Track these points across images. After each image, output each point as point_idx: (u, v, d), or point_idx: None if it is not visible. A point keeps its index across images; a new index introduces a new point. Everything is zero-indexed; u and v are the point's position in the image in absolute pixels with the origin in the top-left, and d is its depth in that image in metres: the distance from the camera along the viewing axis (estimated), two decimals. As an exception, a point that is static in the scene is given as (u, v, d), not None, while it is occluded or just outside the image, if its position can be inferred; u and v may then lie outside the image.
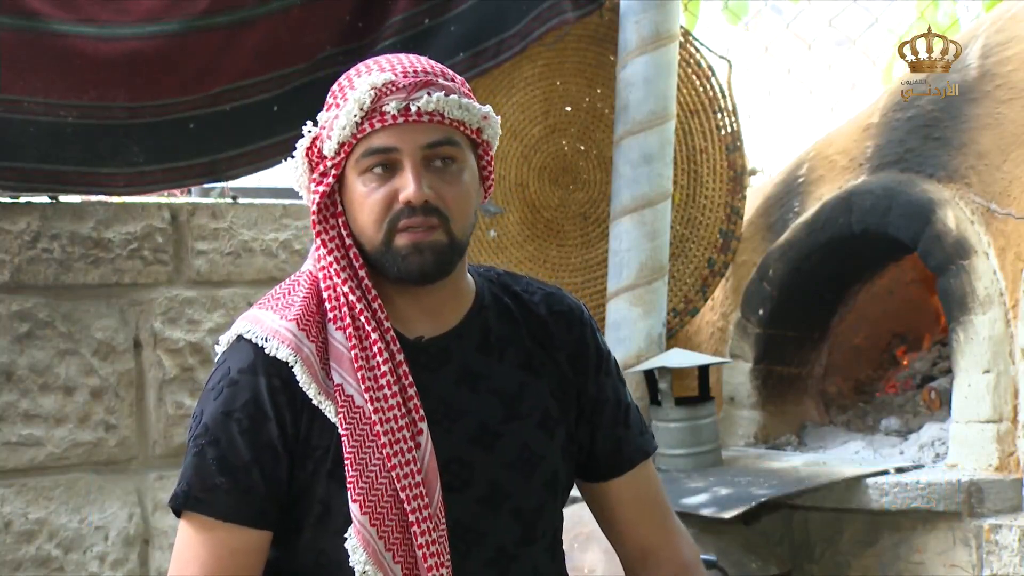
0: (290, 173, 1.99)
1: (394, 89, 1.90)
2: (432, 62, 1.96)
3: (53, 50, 3.49)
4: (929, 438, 3.72)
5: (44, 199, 3.64)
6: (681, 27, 4.09)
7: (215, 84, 3.65)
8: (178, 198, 3.95)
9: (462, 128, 1.94)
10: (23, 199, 3.60)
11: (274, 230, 3.86)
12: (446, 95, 1.91)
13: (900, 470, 3.57)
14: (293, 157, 1.98)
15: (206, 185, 3.96)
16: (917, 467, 3.60)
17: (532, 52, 4.07)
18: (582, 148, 4.23)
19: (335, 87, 1.96)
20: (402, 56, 1.96)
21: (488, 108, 1.97)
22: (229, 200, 3.88)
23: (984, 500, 3.39)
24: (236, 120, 3.69)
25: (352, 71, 1.96)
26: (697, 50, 4.19)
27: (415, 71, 1.92)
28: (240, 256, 3.82)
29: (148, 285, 3.72)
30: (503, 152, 4.14)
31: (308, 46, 3.74)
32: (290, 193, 4.06)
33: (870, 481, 3.52)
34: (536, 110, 4.16)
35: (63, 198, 3.65)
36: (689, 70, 4.17)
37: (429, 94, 1.90)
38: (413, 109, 1.89)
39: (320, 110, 1.97)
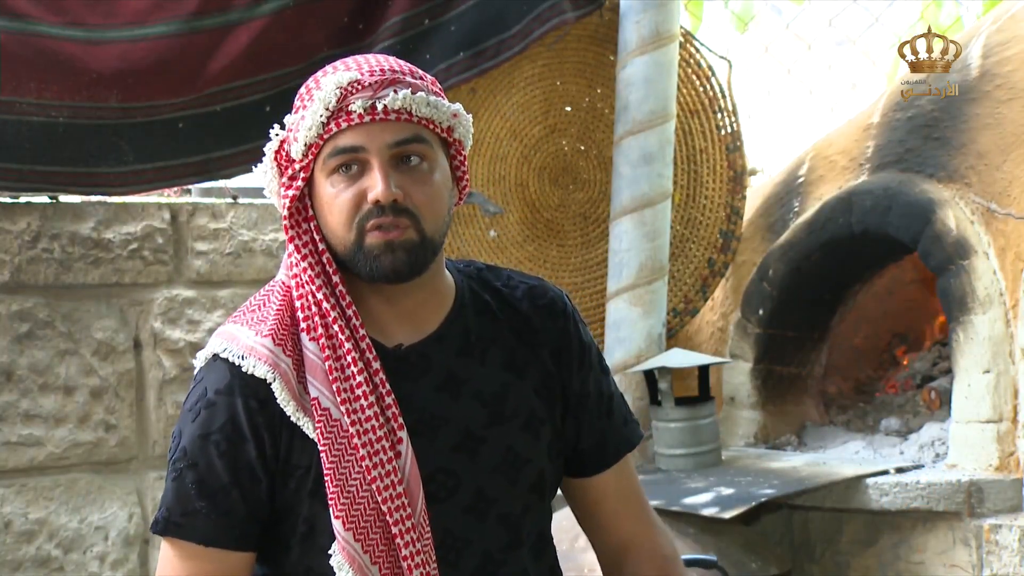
0: (260, 178, 1.96)
1: (360, 88, 1.86)
2: (400, 61, 1.93)
3: (44, 52, 3.50)
4: (929, 438, 3.72)
5: (44, 199, 3.64)
6: (681, 27, 4.09)
7: (207, 85, 3.66)
8: (178, 198, 3.95)
9: (432, 127, 1.90)
10: (23, 199, 3.61)
11: (274, 230, 3.87)
12: (413, 92, 1.88)
13: (900, 470, 3.57)
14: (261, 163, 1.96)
15: (205, 185, 3.97)
16: (917, 467, 3.60)
17: (532, 52, 4.07)
18: (582, 148, 4.23)
19: (302, 90, 1.93)
20: (369, 56, 1.93)
21: (458, 106, 1.94)
22: (229, 200, 3.88)
23: (984, 500, 3.39)
24: (228, 120, 3.69)
25: (319, 72, 1.92)
26: (697, 50, 4.19)
27: (381, 69, 1.89)
28: (240, 256, 3.82)
29: (148, 285, 3.73)
30: (503, 152, 4.15)
31: (304, 47, 3.74)
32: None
33: (870, 481, 3.52)
34: (536, 110, 4.16)
35: (63, 198, 3.66)
36: (689, 70, 4.17)
37: (396, 91, 1.87)
38: (379, 107, 1.86)
39: None
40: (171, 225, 3.76)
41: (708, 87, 4.20)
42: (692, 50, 4.18)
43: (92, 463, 3.66)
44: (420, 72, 1.93)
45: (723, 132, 4.21)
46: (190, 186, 3.97)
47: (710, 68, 4.20)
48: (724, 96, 4.20)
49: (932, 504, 3.43)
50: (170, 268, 3.75)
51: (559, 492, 2.12)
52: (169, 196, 3.95)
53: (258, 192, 4.09)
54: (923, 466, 3.61)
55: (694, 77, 4.18)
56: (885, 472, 3.56)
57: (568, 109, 4.20)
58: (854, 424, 4.07)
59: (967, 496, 3.39)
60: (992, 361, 3.45)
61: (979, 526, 3.37)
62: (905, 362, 4.14)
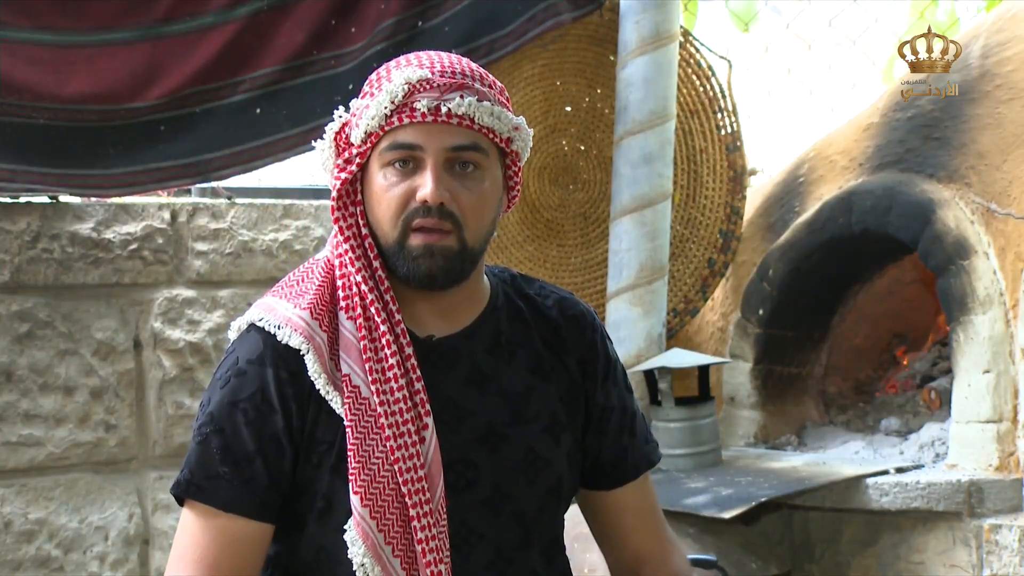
0: (317, 155, 1.99)
1: (428, 87, 1.90)
2: (473, 65, 1.96)
3: (17, 56, 3.52)
4: (929, 438, 3.72)
5: (44, 199, 3.64)
6: (681, 27, 4.09)
7: (180, 88, 3.67)
8: (178, 198, 3.95)
9: (491, 136, 1.93)
10: (23, 199, 3.61)
11: (274, 230, 3.86)
12: (479, 100, 1.91)
13: (900, 470, 3.57)
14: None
15: (202, 186, 3.97)
16: (917, 467, 3.60)
17: (532, 52, 4.07)
18: (582, 148, 4.23)
19: (372, 76, 1.96)
20: (444, 54, 1.96)
21: (521, 119, 1.97)
22: (225, 200, 3.88)
23: (984, 500, 3.39)
24: (216, 121, 3.70)
25: (392, 62, 1.96)
26: (697, 50, 4.19)
27: (452, 72, 1.92)
28: (240, 256, 3.82)
29: (148, 285, 3.73)
30: (503, 152, 4.15)
31: (283, 49, 3.73)
32: (290, 193, 4.07)
33: (870, 481, 3.52)
34: (536, 110, 4.16)
35: (63, 198, 3.66)
36: (689, 70, 4.17)
37: (462, 97, 1.90)
38: (443, 110, 1.90)
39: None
40: (171, 225, 3.76)
41: (708, 87, 4.20)
42: (692, 50, 4.18)
43: (92, 463, 3.66)
44: (491, 79, 1.96)
45: (723, 132, 4.21)
46: (189, 187, 3.97)
47: (710, 68, 4.20)
48: (724, 96, 4.20)
49: (932, 504, 3.43)
50: (170, 268, 3.75)
51: (578, 507, 2.14)
52: (168, 196, 3.95)
53: (258, 192, 4.08)
54: (923, 466, 3.61)
55: (694, 77, 4.18)
56: (885, 472, 3.56)
57: (568, 109, 4.20)
58: (854, 424, 4.07)
59: (967, 496, 3.39)
60: (992, 361, 3.45)
61: (979, 526, 3.37)
62: (905, 362, 4.14)
